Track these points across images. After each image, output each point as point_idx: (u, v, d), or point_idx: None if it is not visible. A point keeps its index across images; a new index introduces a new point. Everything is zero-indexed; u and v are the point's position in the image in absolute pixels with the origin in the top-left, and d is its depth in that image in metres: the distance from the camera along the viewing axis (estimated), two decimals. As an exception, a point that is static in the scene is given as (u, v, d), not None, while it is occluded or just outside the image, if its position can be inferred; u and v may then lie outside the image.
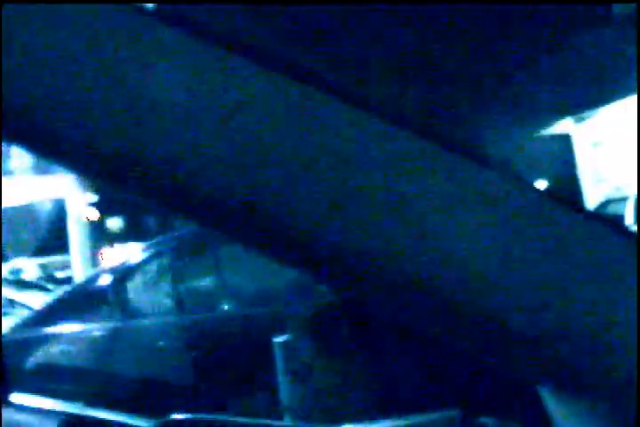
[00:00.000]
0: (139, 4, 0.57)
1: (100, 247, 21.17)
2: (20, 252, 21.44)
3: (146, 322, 6.13)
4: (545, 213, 0.61)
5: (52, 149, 0.59)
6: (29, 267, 20.78)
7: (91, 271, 11.97)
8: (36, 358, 6.04)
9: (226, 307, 6.32)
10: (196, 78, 0.57)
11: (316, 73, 0.59)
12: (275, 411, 4.69)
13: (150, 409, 5.88)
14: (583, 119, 15.29)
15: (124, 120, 0.55)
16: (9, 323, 6.59)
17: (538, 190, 0.63)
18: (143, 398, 5.84)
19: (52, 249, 21.68)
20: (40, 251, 21.87)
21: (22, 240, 23.24)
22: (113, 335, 6.06)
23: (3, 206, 17.68)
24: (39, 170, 19.71)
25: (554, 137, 15.61)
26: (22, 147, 0.59)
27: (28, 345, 6.07)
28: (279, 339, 4.67)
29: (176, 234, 7.11)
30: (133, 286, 6.32)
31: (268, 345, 4.73)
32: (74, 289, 7.05)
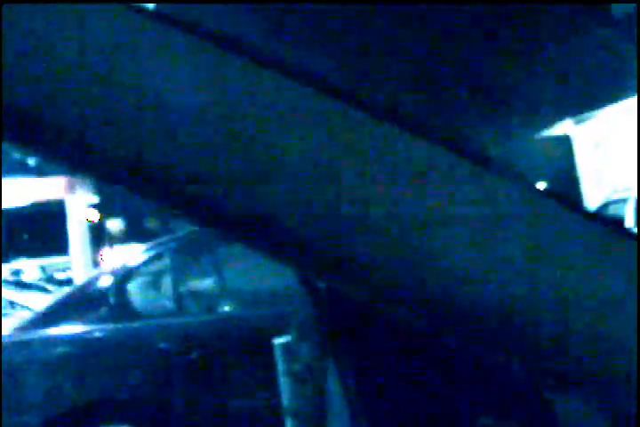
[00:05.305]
0: (139, 4, 0.57)
1: (100, 249, 21.19)
2: (20, 253, 21.44)
3: (146, 323, 6.14)
4: (545, 215, 0.61)
5: (52, 150, 0.59)
6: (30, 268, 20.78)
7: (91, 273, 11.97)
8: (37, 359, 6.04)
9: (226, 308, 6.33)
10: (196, 79, 0.57)
11: (317, 73, 0.59)
12: (275, 413, 4.68)
13: (150, 410, 5.89)
14: (583, 120, 15.29)
15: (123, 121, 0.55)
16: (9, 324, 6.58)
17: (538, 191, 0.63)
18: (143, 398, 5.85)
19: (53, 250, 21.68)
20: (40, 252, 21.87)
21: (23, 241, 23.25)
22: (113, 337, 6.07)
23: (3, 207, 17.70)
24: (40, 171, 19.74)
25: (554, 138, 15.61)
26: (23, 147, 0.59)
27: (28, 347, 6.07)
28: (280, 340, 4.67)
29: (176, 235, 7.11)
30: (134, 288, 6.32)
31: (268, 346, 4.73)
32: (74, 290, 7.05)
